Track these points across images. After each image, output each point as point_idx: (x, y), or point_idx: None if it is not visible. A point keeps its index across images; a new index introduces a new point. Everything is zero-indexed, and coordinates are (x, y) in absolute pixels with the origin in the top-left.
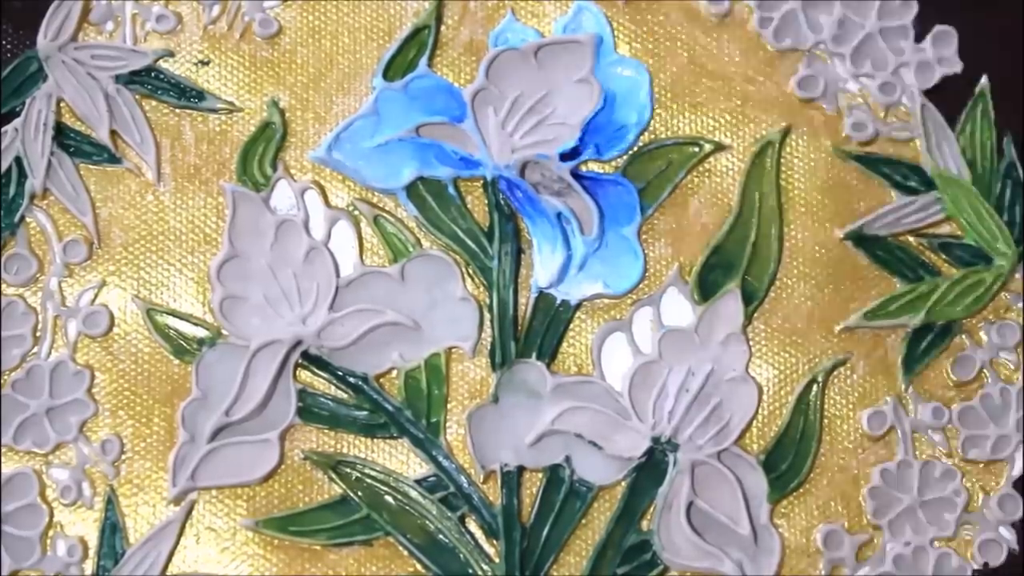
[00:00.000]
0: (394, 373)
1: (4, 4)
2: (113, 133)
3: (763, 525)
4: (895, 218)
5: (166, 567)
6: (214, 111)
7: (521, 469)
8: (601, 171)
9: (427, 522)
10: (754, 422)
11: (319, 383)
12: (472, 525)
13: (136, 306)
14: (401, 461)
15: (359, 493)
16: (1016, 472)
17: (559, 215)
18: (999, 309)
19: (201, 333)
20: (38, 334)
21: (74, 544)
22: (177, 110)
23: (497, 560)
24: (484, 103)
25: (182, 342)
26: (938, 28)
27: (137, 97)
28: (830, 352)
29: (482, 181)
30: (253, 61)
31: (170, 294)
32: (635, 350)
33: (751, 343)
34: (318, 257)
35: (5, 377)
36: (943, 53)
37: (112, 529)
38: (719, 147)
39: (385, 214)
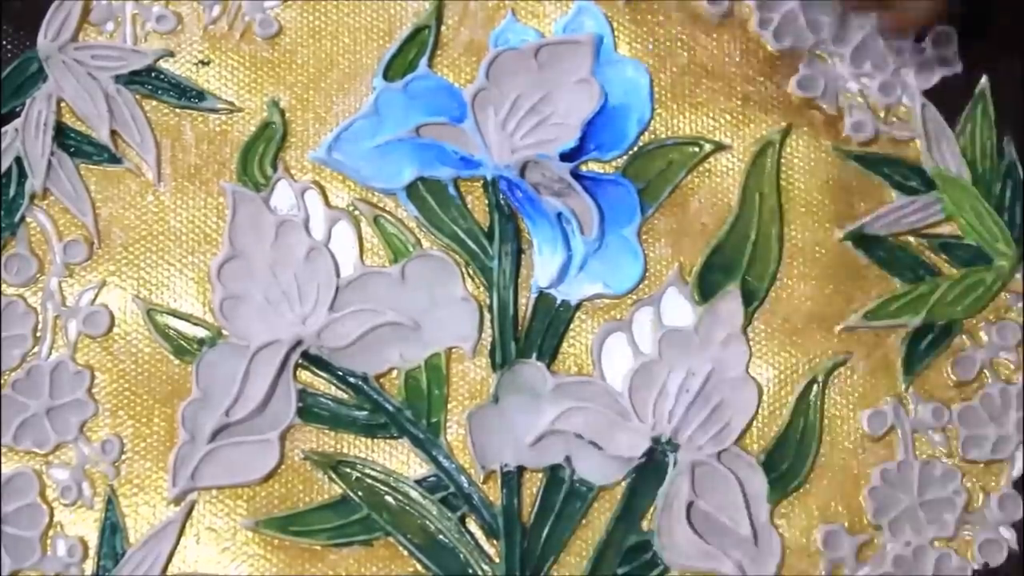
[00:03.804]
0: (394, 373)
1: (4, 4)
2: (113, 133)
3: (763, 525)
4: (895, 218)
5: (166, 567)
6: (214, 111)
7: (521, 469)
8: (601, 171)
9: (427, 522)
10: (754, 422)
11: (319, 383)
12: (472, 525)
13: (136, 306)
14: (401, 461)
15: (359, 493)
16: (1016, 472)
17: (559, 215)
18: (999, 309)
19: (201, 333)
20: (38, 334)
21: (74, 544)
22: (177, 110)
23: (497, 560)
24: (484, 103)
25: (182, 342)
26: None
27: (137, 97)
28: (830, 352)
29: (482, 181)
30: (253, 61)
31: (170, 294)
32: (635, 350)
33: (751, 343)
34: (318, 257)
35: (5, 377)
36: (943, 53)
37: (112, 529)
38: (719, 147)
39: (385, 214)
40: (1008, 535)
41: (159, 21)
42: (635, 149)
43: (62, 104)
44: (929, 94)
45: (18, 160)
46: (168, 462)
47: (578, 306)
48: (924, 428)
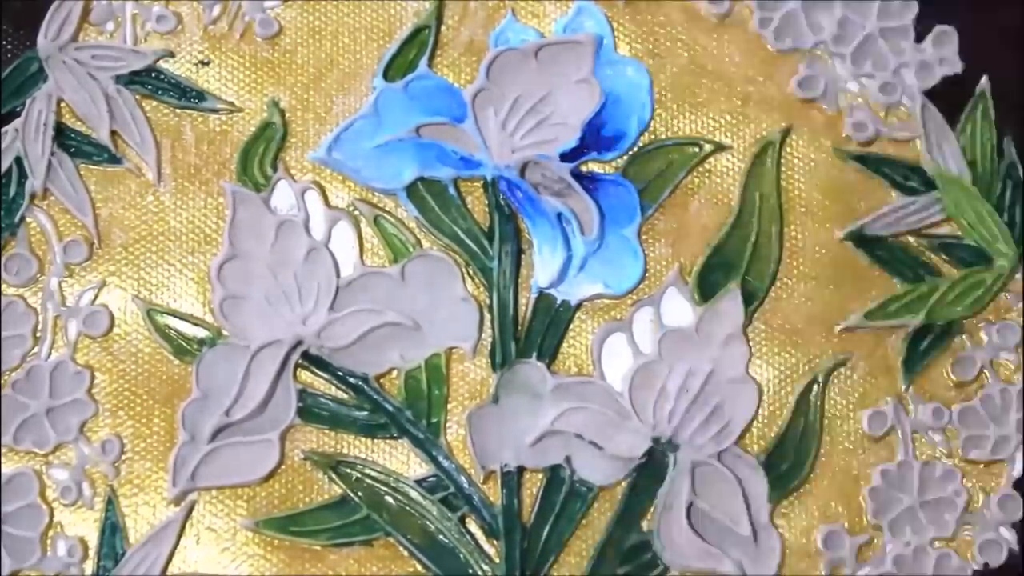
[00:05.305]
0: (394, 373)
1: (4, 4)
2: (113, 133)
3: (763, 525)
4: (895, 218)
5: (166, 567)
6: (214, 111)
7: (521, 469)
8: (601, 171)
9: (427, 522)
10: (754, 422)
11: (319, 383)
12: (472, 525)
13: (136, 306)
14: (401, 461)
15: (359, 493)
16: (1016, 472)
17: (559, 215)
18: (999, 310)
19: (201, 333)
20: (38, 334)
21: (74, 544)
22: (177, 110)
23: (497, 560)
24: (485, 103)
25: (182, 342)
26: (938, 28)
27: (137, 97)
28: (830, 352)
29: (482, 181)
30: (253, 61)
31: (170, 294)
32: (635, 350)
33: (751, 343)
34: (318, 257)
35: (5, 377)
36: (943, 53)
37: (112, 529)
38: (719, 147)
39: (385, 214)
40: (1008, 535)
41: (159, 21)
42: (635, 149)
43: (62, 104)
44: (929, 94)
45: (18, 160)
46: (168, 462)
47: (578, 306)
48: (924, 428)
